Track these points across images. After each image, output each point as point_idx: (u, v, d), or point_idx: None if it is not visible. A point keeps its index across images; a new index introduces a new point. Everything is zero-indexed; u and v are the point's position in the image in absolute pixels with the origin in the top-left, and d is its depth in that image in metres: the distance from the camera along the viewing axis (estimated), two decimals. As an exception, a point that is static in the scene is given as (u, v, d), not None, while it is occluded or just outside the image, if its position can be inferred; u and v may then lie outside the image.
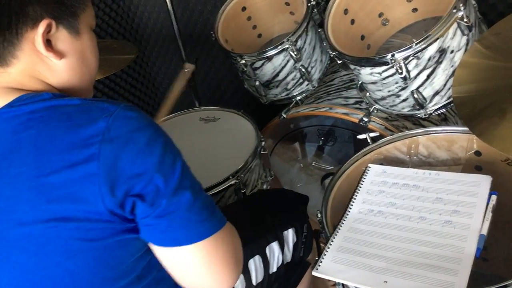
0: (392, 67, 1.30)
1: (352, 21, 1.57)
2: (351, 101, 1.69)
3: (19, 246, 0.75)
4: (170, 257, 0.82)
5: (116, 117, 0.74)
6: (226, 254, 0.83)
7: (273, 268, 1.18)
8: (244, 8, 1.85)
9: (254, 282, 1.13)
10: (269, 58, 1.63)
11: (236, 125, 1.67)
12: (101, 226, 0.74)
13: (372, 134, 1.26)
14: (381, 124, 1.56)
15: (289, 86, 1.73)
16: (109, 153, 0.72)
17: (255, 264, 1.13)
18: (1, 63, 0.80)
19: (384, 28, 1.64)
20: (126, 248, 0.78)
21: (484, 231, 0.95)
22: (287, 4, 1.83)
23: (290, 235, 1.21)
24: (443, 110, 1.40)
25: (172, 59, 2.64)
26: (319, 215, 1.10)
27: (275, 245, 1.17)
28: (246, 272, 1.11)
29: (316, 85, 1.74)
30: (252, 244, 1.12)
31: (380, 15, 1.62)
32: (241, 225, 1.12)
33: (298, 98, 1.76)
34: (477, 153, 1.20)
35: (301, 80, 1.71)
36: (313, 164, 2.00)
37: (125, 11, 2.52)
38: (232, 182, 1.43)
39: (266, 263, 1.15)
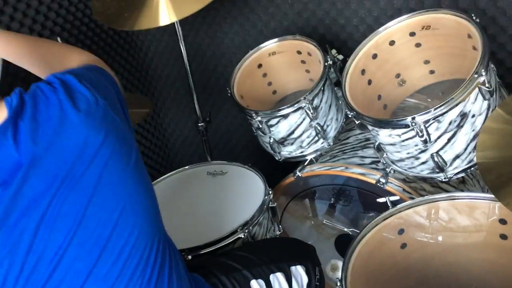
0: (413, 129, 1.28)
1: (369, 82, 1.56)
2: (367, 160, 1.66)
3: None
4: None
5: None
6: None
7: None
8: (260, 65, 1.86)
9: None
10: (285, 116, 1.61)
11: (244, 179, 1.67)
12: None
13: (392, 198, 1.23)
14: (399, 186, 1.52)
15: (304, 144, 1.71)
16: None
17: (259, 286, 1.16)
18: None
19: (401, 88, 1.64)
20: None
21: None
22: (303, 62, 1.84)
23: (299, 272, 1.21)
24: (463, 174, 1.37)
25: (184, 111, 2.65)
26: (338, 284, 1.06)
27: (280, 276, 1.18)
28: None
29: (332, 143, 1.72)
30: (256, 268, 1.18)
31: (397, 76, 1.62)
32: (245, 255, 1.21)
33: (312, 156, 1.74)
34: (502, 221, 1.16)
35: (316, 138, 1.69)
36: (324, 222, 1.95)
37: (140, 63, 2.55)
38: (240, 235, 1.42)
39: None
